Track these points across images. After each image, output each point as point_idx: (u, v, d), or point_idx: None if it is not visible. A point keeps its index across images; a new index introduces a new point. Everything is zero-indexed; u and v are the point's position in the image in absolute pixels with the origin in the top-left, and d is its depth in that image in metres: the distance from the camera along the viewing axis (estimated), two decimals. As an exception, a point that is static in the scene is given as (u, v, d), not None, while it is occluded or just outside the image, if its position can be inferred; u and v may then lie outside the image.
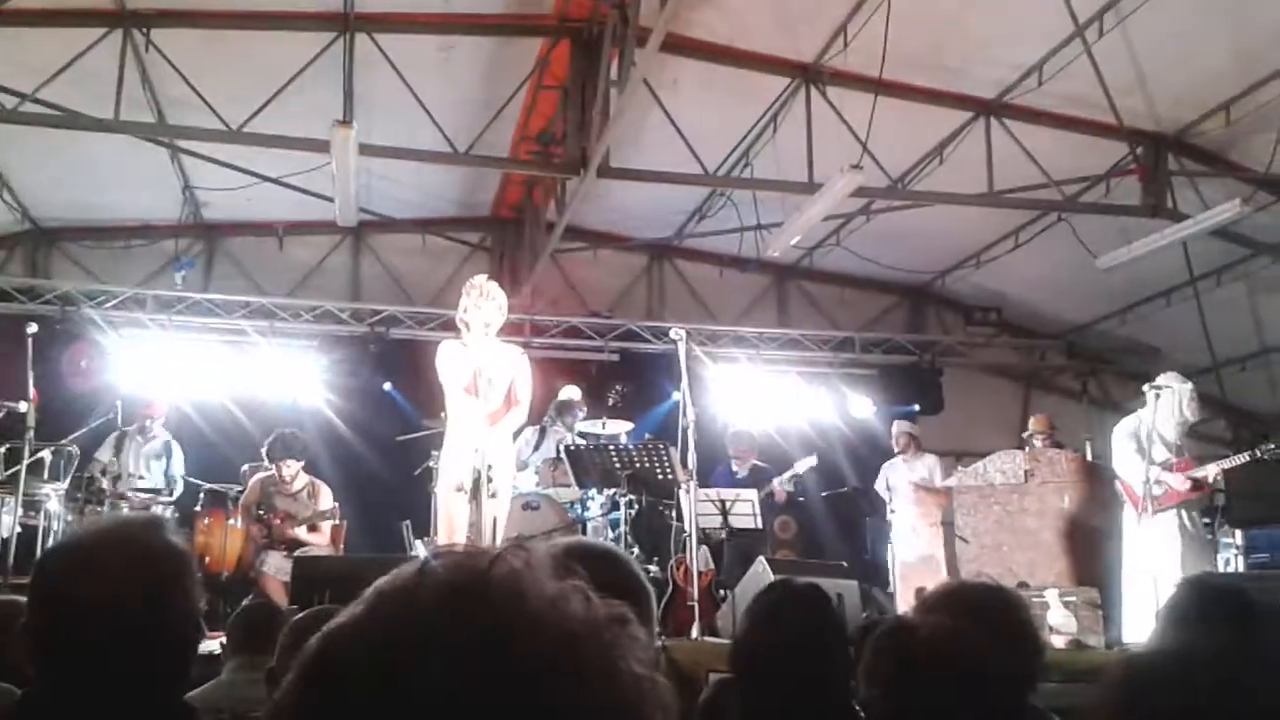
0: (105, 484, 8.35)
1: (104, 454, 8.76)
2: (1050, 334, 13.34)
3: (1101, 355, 13.26)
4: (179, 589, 1.62)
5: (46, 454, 8.01)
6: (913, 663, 1.74)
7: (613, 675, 0.73)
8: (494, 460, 5.92)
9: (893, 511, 9.71)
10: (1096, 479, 8.19)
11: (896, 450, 10.15)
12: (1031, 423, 9.27)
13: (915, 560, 9.28)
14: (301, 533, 8.16)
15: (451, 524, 6.02)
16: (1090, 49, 7.77)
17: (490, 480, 5.82)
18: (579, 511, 8.06)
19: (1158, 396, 7.43)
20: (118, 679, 1.51)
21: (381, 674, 0.69)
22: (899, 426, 10.35)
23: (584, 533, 7.77)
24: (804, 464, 9.70)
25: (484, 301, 6.11)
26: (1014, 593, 2.14)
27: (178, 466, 9.04)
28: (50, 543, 7.19)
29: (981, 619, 1.80)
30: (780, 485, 9.57)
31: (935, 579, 8.92)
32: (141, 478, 8.69)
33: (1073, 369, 13.39)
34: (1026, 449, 8.84)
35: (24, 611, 1.61)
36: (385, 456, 10.11)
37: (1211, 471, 7.35)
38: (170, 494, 8.81)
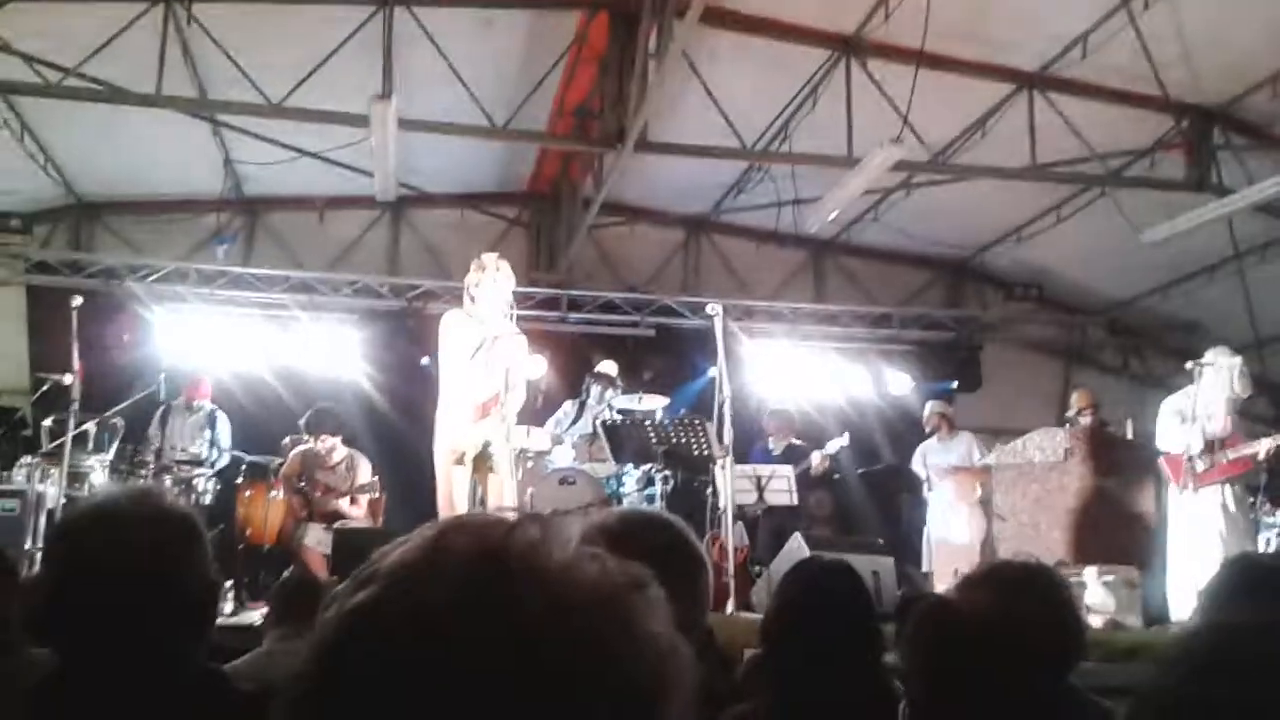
0: (149, 456, 8.46)
1: (153, 431, 8.87)
2: (1092, 310, 13.18)
3: (1144, 331, 13.09)
4: (190, 550, 1.65)
5: (91, 426, 8.13)
6: (954, 640, 1.74)
7: (635, 641, 0.73)
8: (494, 437, 5.93)
9: (930, 490, 9.67)
10: (1138, 457, 8.11)
11: (929, 431, 10.08)
12: (1075, 398, 9.13)
13: (952, 539, 9.24)
14: (342, 505, 8.24)
15: (451, 495, 6.02)
16: (1136, 21, 7.65)
17: (490, 458, 5.84)
18: (614, 487, 8.08)
19: (1200, 374, 7.34)
20: (136, 646, 1.53)
21: (406, 653, 0.69)
22: (930, 407, 10.27)
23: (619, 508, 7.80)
24: (835, 444, 9.67)
25: (499, 277, 6.11)
26: (1055, 572, 2.12)
27: (224, 437, 9.12)
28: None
29: (1023, 597, 1.79)
30: (818, 462, 9.54)
31: (972, 558, 8.89)
32: (185, 451, 8.77)
33: (1114, 345, 13.24)
34: (1068, 426, 8.75)
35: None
36: (422, 430, 10.07)
37: (1265, 446, 7.23)
38: (214, 464, 8.91)
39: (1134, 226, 9.64)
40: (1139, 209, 9.71)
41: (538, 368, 9.15)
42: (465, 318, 6.17)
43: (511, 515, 0.78)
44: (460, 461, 5.93)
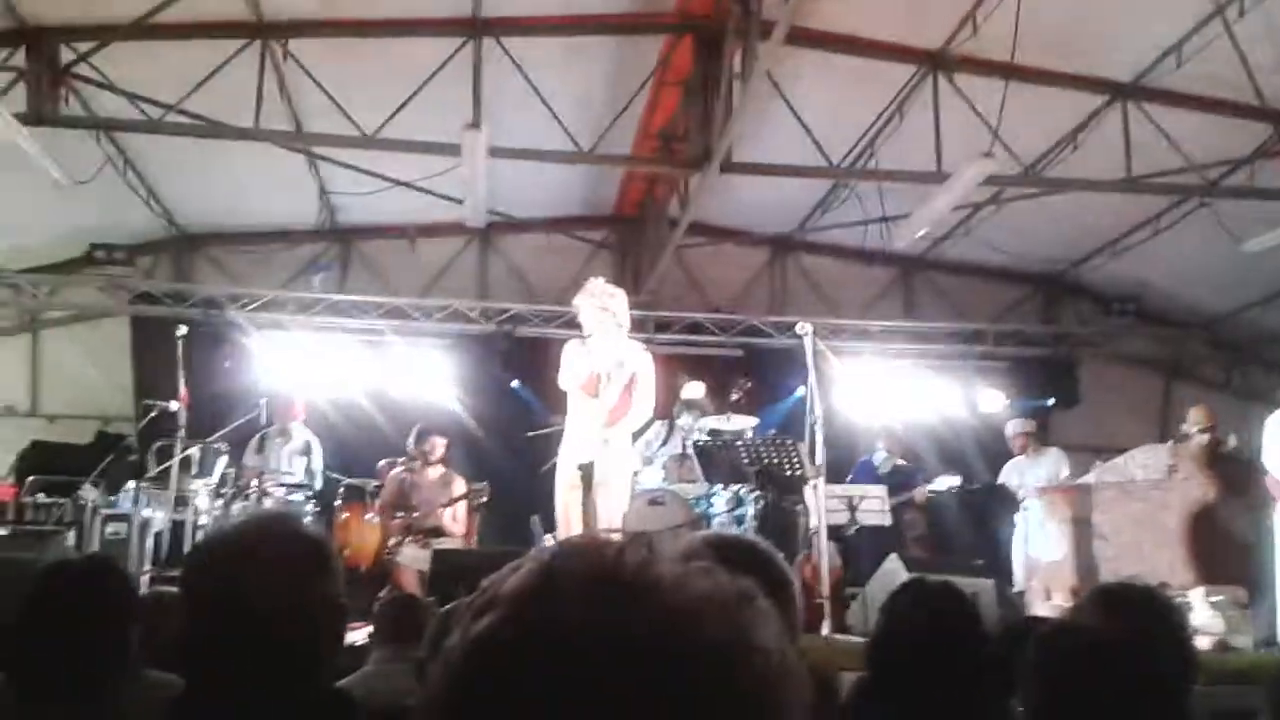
0: (252, 480, 8.66)
1: (249, 458, 9.09)
2: (1192, 323, 12.84)
3: (1246, 345, 12.72)
4: (322, 577, 1.69)
5: (195, 451, 8.37)
6: (1079, 667, 1.71)
7: (751, 652, 0.74)
8: (605, 455, 5.99)
9: (1025, 509, 9.48)
10: (1244, 474, 7.85)
11: (1016, 452, 9.91)
12: (1191, 415, 8.64)
13: (1042, 557, 9.05)
14: (444, 518, 8.37)
15: (568, 518, 6.13)
16: (1230, 28, 7.47)
17: (596, 474, 5.90)
18: (704, 507, 8.06)
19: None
20: (270, 668, 1.57)
21: (533, 676, 0.71)
22: (1012, 428, 10.07)
23: (708, 529, 7.77)
24: (945, 481, 9.58)
25: (610, 302, 6.20)
26: (1167, 596, 2.08)
27: (318, 462, 9.34)
28: (198, 537, 7.52)
29: (1140, 621, 1.76)
30: (921, 495, 9.50)
31: (1062, 576, 8.70)
32: (288, 474, 8.99)
33: (1216, 359, 12.89)
34: (1171, 443, 8.49)
35: (177, 603, 1.70)
36: (514, 452, 10.26)
37: None
38: (311, 488, 9.10)
39: (1234, 237, 9.40)
40: (1239, 219, 9.46)
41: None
42: (581, 348, 6.29)
43: (617, 536, 0.80)
44: (574, 486, 6.03)
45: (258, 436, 9.27)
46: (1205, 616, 6.45)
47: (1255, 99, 8.03)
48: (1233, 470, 7.88)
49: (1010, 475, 9.88)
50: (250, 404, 9.54)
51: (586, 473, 5.87)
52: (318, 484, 9.19)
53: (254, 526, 1.73)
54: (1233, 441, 9.05)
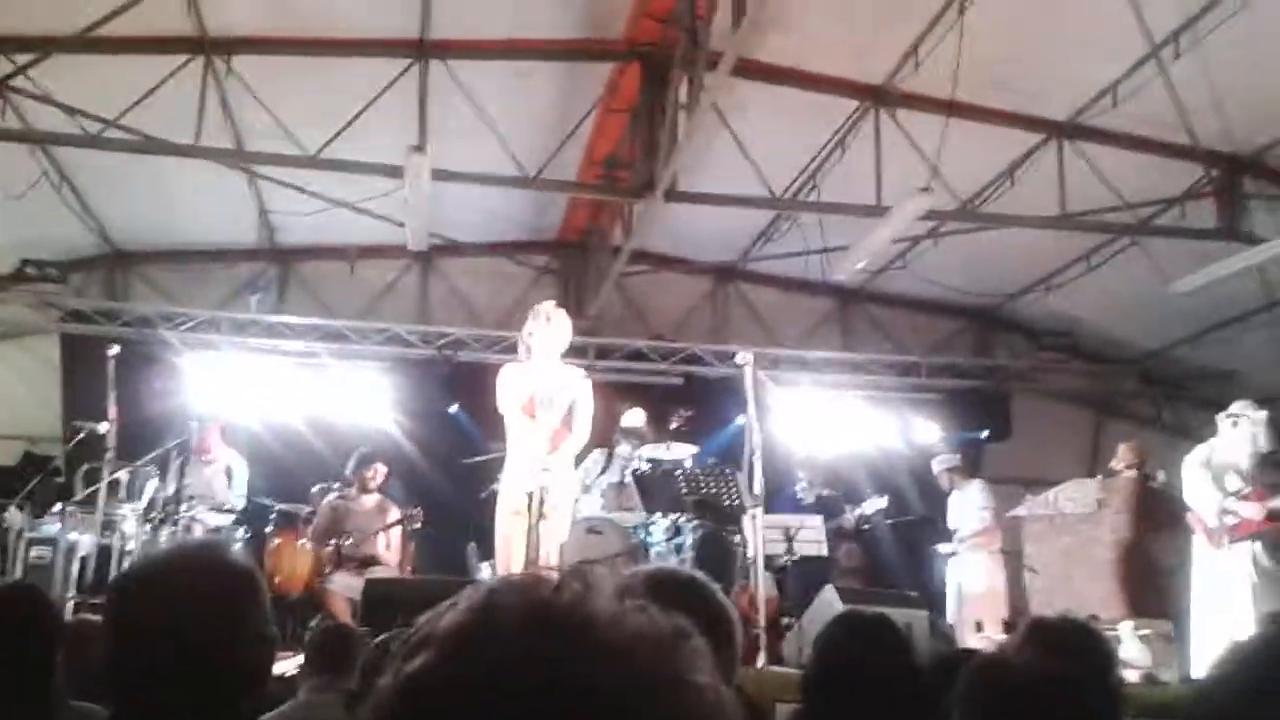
0: (183, 505, 8.49)
1: (170, 483, 8.88)
2: (1123, 359, 13.09)
3: (1176, 381, 12.98)
4: (248, 606, 1.65)
5: (123, 475, 8.18)
6: (1008, 702, 1.72)
7: (684, 690, 0.74)
8: (551, 483, 5.96)
9: (960, 541, 9.59)
10: (1170, 510, 8.00)
11: (945, 487, 10.02)
12: (1121, 450, 8.82)
13: (970, 588, 9.17)
14: (377, 545, 8.25)
15: (510, 547, 6.07)
16: (1166, 69, 7.66)
17: (544, 503, 5.86)
18: (642, 536, 8.04)
19: (1235, 425, 7.27)
20: (194, 699, 1.53)
21: (466, 717, 0.70)
22: (936, 465, 10.19)
23: (646, 558, 7.75)
24: (872, 504, 9.66)
25: (550, 327, 6.18)
26: (1099, 632, 2.10)
27: (240, 484, 9.15)
28: (125, 563, 7.35)
29: (1071, 656, 1.78)
30: (850, 520, 9.58)
31: (991, 607, 8.82)
32: (191, 499, 8.77)
33: (1146, 396, 13.13)
34: (1100, 477, 8.65)
35: (100, 633, 1.65)
36: (452, 479, 10.17)
37: None
38: (236, 512, 8.92)
39: (1165, 276, 9.60)
40: (1170, 258, 9.67)
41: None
42: (520, 371, 6.24)
43: (553, 573, 0.80)
44: (518, 513, 5.97)
45: (180, 460, 9.06)
46: (1133, 650, 6.55)
47: (1188, 140, 8.23)
48: (1161, 506, 8.03)
49: (948, 509, 10.00)
50: (181, 427, 9.35)
51: (538, 501, 5.82)
52: (239, 505, 9.02)
53: (181, 555, 1.70)
54: (1161, 477, 9.24)
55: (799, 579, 8.28)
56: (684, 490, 7.37)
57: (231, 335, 11.22)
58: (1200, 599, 7.22)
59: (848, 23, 8.13)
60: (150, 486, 8.44)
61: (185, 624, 1.54)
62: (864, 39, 8.27)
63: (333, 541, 8.26)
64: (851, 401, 12.16)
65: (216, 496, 8.86)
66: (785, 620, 7.62)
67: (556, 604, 0.75)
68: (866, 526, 10.10)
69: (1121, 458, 8.76)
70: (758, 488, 6.48)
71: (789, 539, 8.12)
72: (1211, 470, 7.27)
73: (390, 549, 8.36)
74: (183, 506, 8.29)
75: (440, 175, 8.26)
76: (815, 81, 8.85)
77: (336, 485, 8.73)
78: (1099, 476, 8.75)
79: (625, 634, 0.75)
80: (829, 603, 6.65)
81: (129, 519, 8.04)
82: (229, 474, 9.12)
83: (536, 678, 0.70)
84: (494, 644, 0.73)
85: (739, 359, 6.84)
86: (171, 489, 8.65)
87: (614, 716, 0.71)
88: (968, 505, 9.64)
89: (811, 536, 8.23)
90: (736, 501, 7.24)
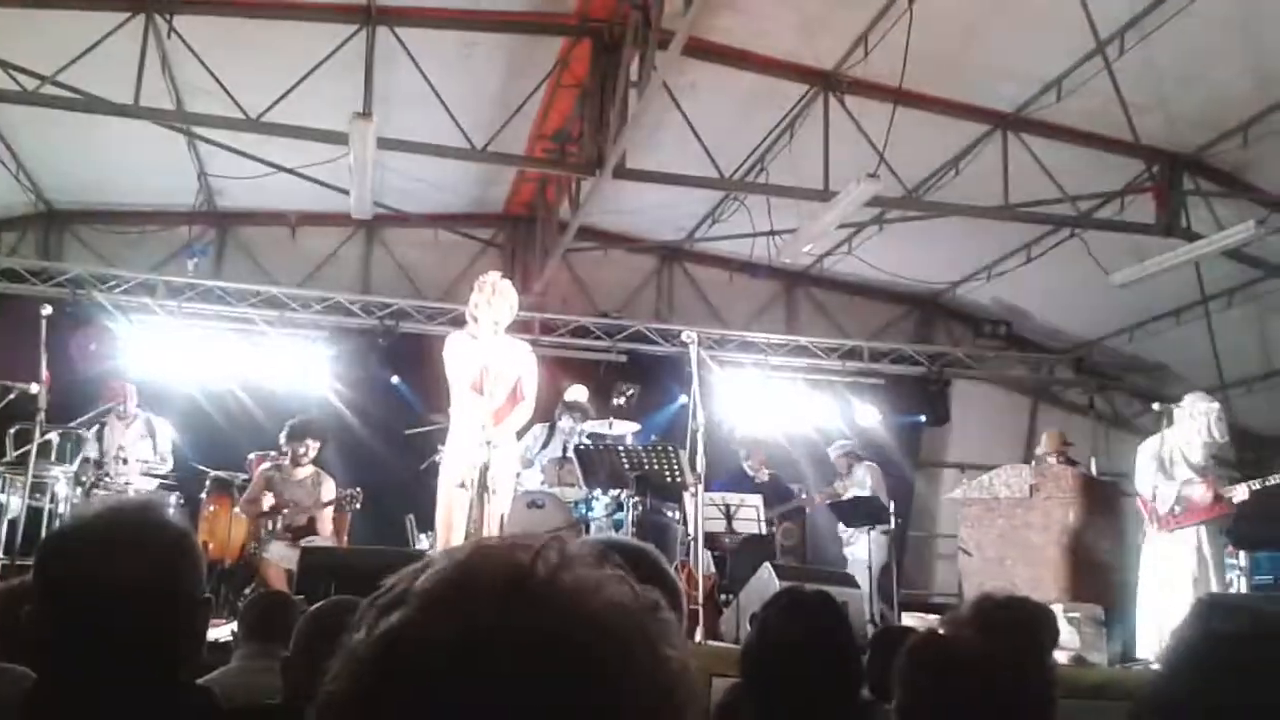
0: (111, 467, 8.35)
1: (91, 449, 8.72)
2: (1059, 349, 13.32)
3: (1110, 372, 13.24)
4: (184, 568, 1.62)
5: (55, 436, 8.02)
6: (946, 678, 1.75)
7: (657, 660, 0.75)
8: (496, 457, 5.94)
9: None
10: (1101, 496, 8.17)
11: (842, 472, 10.19)
12: (1044, 439, 9.19)
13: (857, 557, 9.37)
14: (316, 520, 8.17)
15: (450, 519, 6.03)
16: (1111, 66, 7.77)
17: (487, 476, 5.84)
18: (583, 511, 8.05)
19: (1172, 418, 7.43)
20: (128, 660, 1.51)
21: (446, 673, 0.70)
22: (834, 452, 10.34)
23: (588, 533, 7.76)
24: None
25: (495, 299, 6.14)
26: (1042, 611, 2.14)
27: (164, 442, 9.00)
28: (56, 525, 7.21)
29: (1011, 637, 1.81)
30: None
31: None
32: (125, 462, 8.62)
33: (1081, 384, 13.38)
34: (1034, 464, 8.82)
35: (29, 594, 1.62)
36: (392, 449, 10.10)
37: (1241, 491, 7.32)
38: (163, 474, 8.79)
39: (1103, 268, 9.77)
40: (1108, 251, 9.84)
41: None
42: (467, 339, 6.19)
43: (532, 541, 0.80)
44: (462, 485, 5.92)
45: (95, 426, 8.89)
46: (1064, 632, 6.67)
47: (1130, 135, 8.36)
48: (1095, 492, 8.19)
49: None
50: (114, 390, 9.18)
51: (483, 475, 5.79)
52: (168, 464, 8.88)
53: (115, 513, 1.65)
54: (1093, 465, 9.46)
55: (738, 557, 8.35)
56: (626, 466, 7.38)
57: (167, 299, 11.01)
58: (1146, 583, 7.39)
59: (799, 7, 8.15)
60: (84, 449, 8.29)
61: (115, 582, 1.51)
62: (815, 24, 8.29)
63: (266, 506, 8.15)
64: (795, 383, 12.27)
65: (140, 456, 8.69)
66: (723, 597, 7.70)
67: (535, 570, 0.75)
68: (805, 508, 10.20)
69: (1045, 444, 9.05)
70: (700, 466, 6.52)
71: (729, 517, 8.19)
72: (1161, 460, 7.43)
73: (325, 520, 8.27)
74: (113, 469, 8.16)
75: (386, 144, 8.17)
76: (766, 64, 8.86)
77: (273, 454, 8.61)
78: (1033, 462, 8.92)
79: (602, 602, 0.75)
80: (766, 580, 6.71)
81: (60, 481, 7.89)
82: (151, 433, 8.95)
83: (513, 639, 0.71)
84: (471, 604, 0.73)
85: (684, 337, 6.86)
86: (91, 455, 8.52)
87: (588, 682, 0.71)
88: (855, 488, 9.82)
89: (751, 515, 8.30)
90: (678, 479, 7.26)
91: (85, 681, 1.50)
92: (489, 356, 6.07)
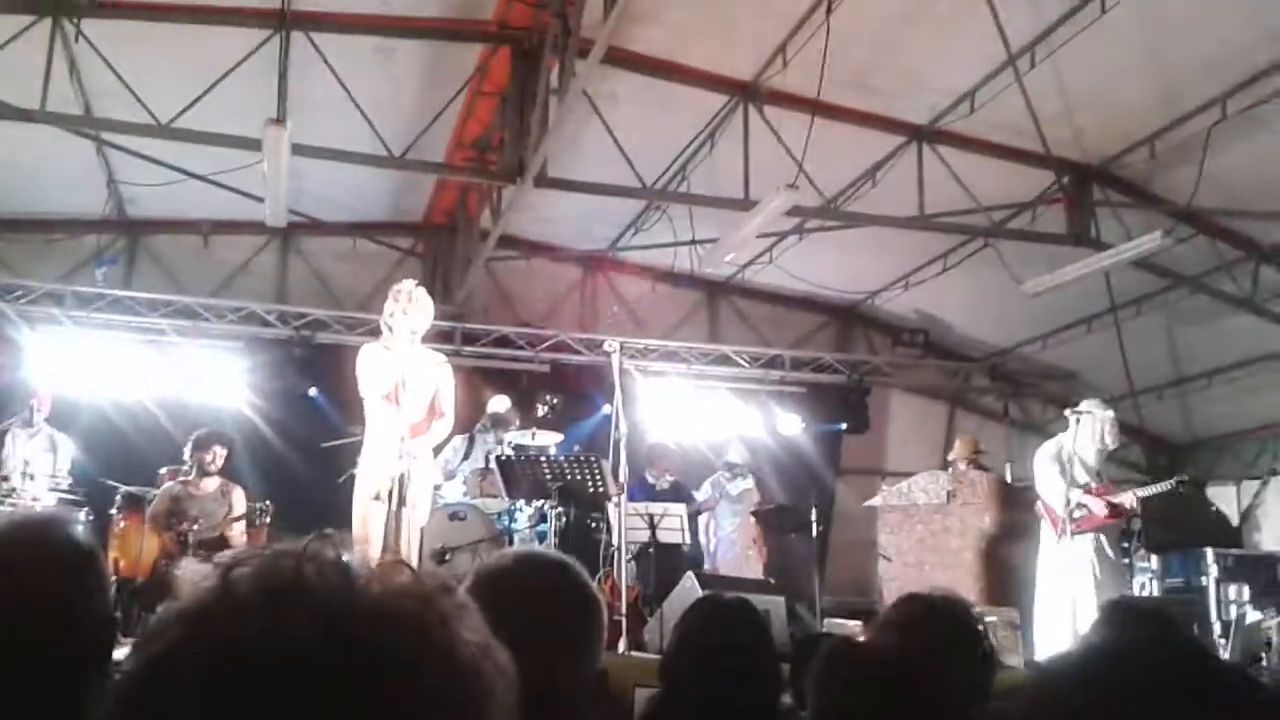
0: (17, 481, 8.09)
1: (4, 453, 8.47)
2: (974, 357, 13.56)
3: (1023, 379, 13.51)
4: (88, 587, 1.56)
5: (-45, 451, 7.76)
6: (866, 681, 1.74)
7: (451, 646, 0.74)
8: (413, 469, 5.86)
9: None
10: (1016, 501, 8.33)
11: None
12: (957, 445, 9.39)
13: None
14: (232, 533, 8.02)
15: (367, 533, 5.92)
16: (1021, 79, 7.92)
17: (404, 488, 5.76)
18: (506, 523, 7.99)
19: (1078, 421, 7.59)
20: (27, 682, 1.44)
21: (205, 694, 0.69)
22: (735, 456, 10.46)
23: (510, 544, 7.70)
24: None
25: (411, 307, 6.04)
26: (970, 612, 2.15)
27: (64, 460, 8.77)
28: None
29: (936, 638, 1.81)
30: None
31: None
32: (32, 477, 8.39)
33: (995, 391, 13.62)
34: (950, 470, 8.96)
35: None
36: (309, 462, 9.90)
37: (1129, 498, 7.51)
38: (63, 487, 8.56)
39: (1015, 278, 9.95)
40: (1021, 261, 10.04)
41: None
42: (381, 350, 6.08)
43: (318, 543, 0.78)
44: (378, 497, 5.82)
45: (2, 433, 8.64)
46: (979, 636, 6.77)
47: (1040, 147, 8.54)
48: (1010, 498, 8.35)
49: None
50: (20, 403, 8.91)
51: (400, 487, 5.71)
52: (66, 482, 8.65)
53: (16, 528, 1.58)
54: (1008, 471, 9.63)
55: (661, 566, 8.33)
56: (548, 477, 7.33)
57: (75, 310, 10.71)
58: (1044, 587, 7.52)
59: (718, 18, 8.19)
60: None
61: (19, 601, 1.45)
62: (734, 36, 8.34)
63: (173, 520, 7.95)
64: (717, 392, 12.33)
65: (41, 470, 8.45)
66: (647, 607, 7.68)
67: (300, 569, 0.74)
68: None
69: (957, 450, 9.22)
70: (623, 475, 6.50)
71: (652, 526, 8.18)
72: (1061, 464, 7.58)
73: (240, 534, 8.10)
74: (19, 483, 7.91)
75: (301, 150, 8.03)
76: (686, 74, 8.90)
77: (184, 468, 8.41)
78: (949, 469, 9.06)
79: (374, 593, 0.74)
80: (689, 589, 6.70)
81: (-39, 496, 7.62)
82: (54, 448, 8.71)
83: (274, 646, 0.69)
84: (234, 618, 0.72)
85: (606, 346, 6.85)
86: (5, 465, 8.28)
87: (379, 683, 0.69)
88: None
89: (674, 525, 8.30)
90: (601, 489, 7.24)
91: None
92: (404, 368, 5.97)
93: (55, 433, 8.87)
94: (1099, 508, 7.43)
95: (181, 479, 8.27)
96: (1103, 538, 7.46)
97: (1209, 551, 8.95)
